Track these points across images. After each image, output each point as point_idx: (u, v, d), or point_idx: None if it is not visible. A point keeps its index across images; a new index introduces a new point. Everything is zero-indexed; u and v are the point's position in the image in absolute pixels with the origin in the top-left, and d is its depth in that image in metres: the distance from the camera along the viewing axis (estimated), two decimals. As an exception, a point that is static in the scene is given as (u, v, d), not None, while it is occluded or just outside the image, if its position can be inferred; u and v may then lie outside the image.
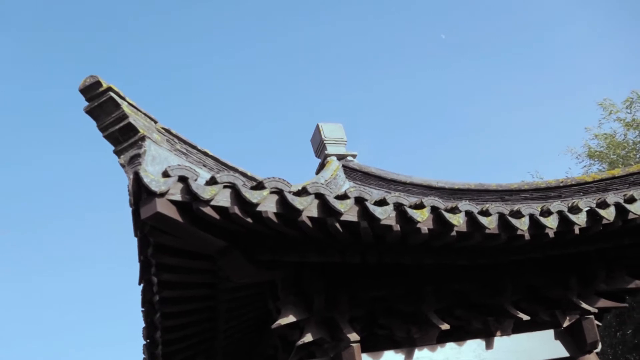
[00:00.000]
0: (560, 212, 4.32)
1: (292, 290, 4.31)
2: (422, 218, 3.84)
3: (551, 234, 4.31)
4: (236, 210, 3.40)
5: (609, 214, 4.38)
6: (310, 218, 3.60)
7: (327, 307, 4.38)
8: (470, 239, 4.14)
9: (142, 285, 4.29)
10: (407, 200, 3.87)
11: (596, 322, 5.17)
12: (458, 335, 4.86)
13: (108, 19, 26.21)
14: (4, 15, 24.81)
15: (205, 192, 3.28)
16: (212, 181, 3.37)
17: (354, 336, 4.29)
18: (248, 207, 3.41)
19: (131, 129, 3.35)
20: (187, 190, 3.27)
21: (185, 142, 3.85)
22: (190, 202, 3.28)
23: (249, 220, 3.47)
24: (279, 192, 3.52)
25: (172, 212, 3.26)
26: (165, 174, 3.24)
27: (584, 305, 5.08)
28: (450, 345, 4.70)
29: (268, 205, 3.48)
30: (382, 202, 3.78)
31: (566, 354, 5.04)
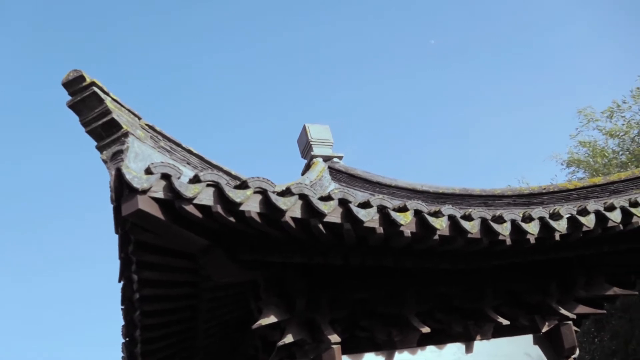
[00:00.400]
0: (541, 219, 4.36)
1: (274, 290, 4.30)
2: (405, 221, 3.86)
3: (532, 240, 4.35)
4: (219, 209, 3.38)
5: (589, 222, 4.44)
6: (294, 219, 3.60)
7: (308, 308, 4.38)
8: (453, 243, 4.16)
9: (122, 282, 4.25)
10: (390, 203, 3.88)
11: (575, 328, 5.24)
12: (438, 338, 4.88)
13: (108, 19, 26.03)
14: (4, 15, 24.52)
15: (188, 190, 3.26)
16: (195, 179, 3.35)
17: (334, 338, 4.29)
18: (231, 206, 3.40)
19: (114, 125, 3.32)
20: (170, 188, 3.25)
21: (169, 140, 3.83)
22: (173, 200, 3.26)
23: (232, 219, 3.46)
24: (263, 192, 3.51)
25: (154, 210, 3.24)
26: (148, 171, 3.22)
27: (563, 311, 5.14)
28: (430, 349, 4.73)
29: (251, 204, 3.47)
30: (365, 205, 3.79)
31: (544, 359, 5.09)
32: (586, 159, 13.60)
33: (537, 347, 5.12)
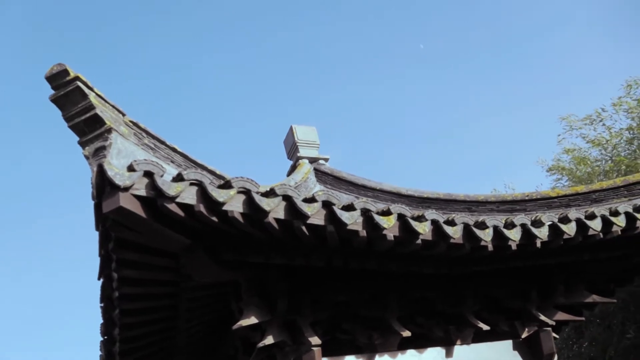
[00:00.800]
0: (523, 225, 4.40)
1: (256, 291, 4.28)
2: (389, 225, 3.86)
3: (514, 246, 4.38)
4: (202, 208, 3.35)
5: (570, 229, 4.48)
6: (277, 220, 3.58)
7: (290, 309, 4.36)
8: (435, 248, 4.18)
9: (101, 280, 4.19)
10: (374, 206, 3.88)
11: (554, 334, 5.29)
12: (419, 342, 4.89)
13: (107, 19, 25.82)
14: (4, 15, 24.20)
15: (171, 189, 3.23)
16: (178, 178, 3.32)
17: (315, 340, 4.28)
18: (214, 205, 3.37)
19: (97, 121, 3.28)
20: (153, 185, 3.21)
21: (153, 137, 3.79)
22: (155, 198, 3.22)
23: (215, 219, 3.43)
24: (246, 192, 3.49)
25: (136, 207, 3.20)
26: (131, 168, 3.18)
27: (543, 318, 5.19)
28: (411, 352, 4.74)
29: (235, 204, 3.45)
30: (349, 207, 3.79)
31: (523, 365, 5.14)
32: (570, 167, 13.72)
33: (516, 352, 5.17)
